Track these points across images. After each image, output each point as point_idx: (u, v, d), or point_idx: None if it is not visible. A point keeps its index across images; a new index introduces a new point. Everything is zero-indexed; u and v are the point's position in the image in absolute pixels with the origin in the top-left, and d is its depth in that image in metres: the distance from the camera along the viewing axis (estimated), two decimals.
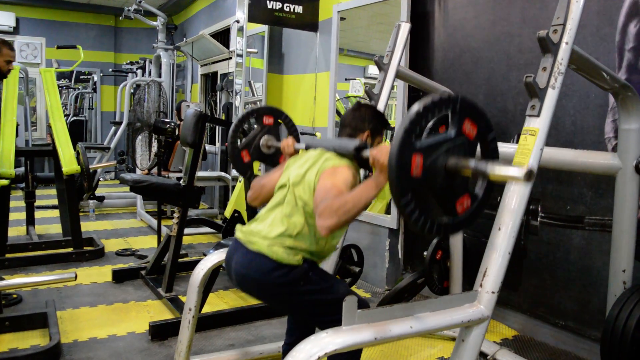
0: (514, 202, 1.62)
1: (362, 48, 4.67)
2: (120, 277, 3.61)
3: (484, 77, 3.08)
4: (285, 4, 4.37)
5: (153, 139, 4.74)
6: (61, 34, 8.99)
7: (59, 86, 5.76)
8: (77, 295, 3.30)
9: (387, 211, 3.76)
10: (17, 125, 4.11)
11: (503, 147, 2.12)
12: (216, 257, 2.05)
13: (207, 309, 2.98)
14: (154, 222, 5.09)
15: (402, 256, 3.63)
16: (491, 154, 1.36)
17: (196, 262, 2.20)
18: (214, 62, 6.64)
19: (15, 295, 3.14)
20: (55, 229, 4.90)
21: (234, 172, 5.10)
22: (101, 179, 7.34)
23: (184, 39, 7.12)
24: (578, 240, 2.62)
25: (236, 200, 4.03)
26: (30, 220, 4.73)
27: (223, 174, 5.57)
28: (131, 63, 8.73)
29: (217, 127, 6.23)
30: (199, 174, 3.99)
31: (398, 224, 3.56)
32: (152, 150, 4.90)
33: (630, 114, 2.10)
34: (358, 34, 4.44)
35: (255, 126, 2.34)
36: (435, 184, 1.24)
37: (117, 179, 8.39)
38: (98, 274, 3.77)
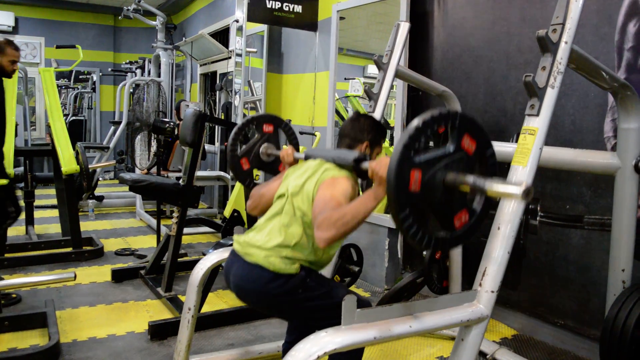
0: (513, 202, 1.62)
1: (362, 47, 4.67)
2: (119, 276, 3.61)
3: (484, 77, 3.08)
4: (285, 4, 4.37)
5: (152, 138, 4.74)
6: (60, 34, 9.00)
7: (58, 86, 5.75)
8: (76, 295, 3.30)
9: (387, 211, 3.76)
10: (17, 124, 4.11)
11: (502, 147, 2.14)
12: (215, 256, 2.05)
13: (206, 308, 2.98)
14: (153, 221, 5.08)
15: (402, 255, 3.63)
16: (490, 170, 1.35)
17: (195, 261, 2.19)
18: (213, 62, 6.64)
19: (14, 295, 3.13)
20: (54, 229, 4.90)
21: None
22: (100, 179, 7.34)
23: (183, 38, 7.11)
24: (577, 239, 2.63)
25: (235, 200, 4.03)
26: (30, 220, 4.72)
27: (222, 173, 5.57)
28: (130, 63, 8.74)
29: (216, 126, 6.22)
30: (198, 173, 3.98)
31: None
32: (152, 150, 4.89)
33: (629, 113, 2.10)
34: (357, 33, 4.44)
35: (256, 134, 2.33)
36: (433, 199, 1.24)
37: (117, 179, 8.38)
38: (97, 273, 3.77)
